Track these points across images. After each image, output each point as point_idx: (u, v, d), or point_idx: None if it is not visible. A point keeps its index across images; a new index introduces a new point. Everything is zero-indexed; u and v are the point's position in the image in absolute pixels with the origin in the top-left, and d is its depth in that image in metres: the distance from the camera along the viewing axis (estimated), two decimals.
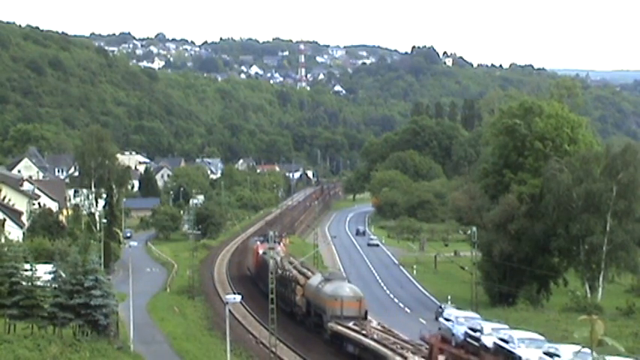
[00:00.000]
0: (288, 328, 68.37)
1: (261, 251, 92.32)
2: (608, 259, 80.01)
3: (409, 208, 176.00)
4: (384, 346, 52.35)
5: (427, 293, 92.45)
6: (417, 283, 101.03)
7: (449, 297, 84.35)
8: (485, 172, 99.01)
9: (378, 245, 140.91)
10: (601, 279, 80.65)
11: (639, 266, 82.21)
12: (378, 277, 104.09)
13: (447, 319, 47.96)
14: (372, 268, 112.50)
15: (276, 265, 72.77)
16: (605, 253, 79.43)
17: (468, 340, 43.96)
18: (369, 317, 62.22)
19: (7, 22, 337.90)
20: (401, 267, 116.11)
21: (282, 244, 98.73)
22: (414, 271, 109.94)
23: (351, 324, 59.70)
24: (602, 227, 79.11)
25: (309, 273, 73.57)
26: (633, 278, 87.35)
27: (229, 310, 50.79)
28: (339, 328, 60.02)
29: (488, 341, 41.43)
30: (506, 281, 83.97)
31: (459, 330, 45.44)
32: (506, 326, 45.88)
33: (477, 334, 43.15)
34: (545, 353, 36.55)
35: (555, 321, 68.34)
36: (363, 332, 56.95)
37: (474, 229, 79.49)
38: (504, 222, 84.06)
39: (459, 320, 46.32)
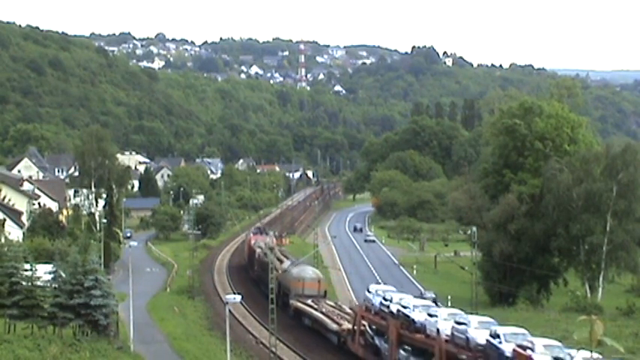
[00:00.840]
0: (288, 328, 68.43)
1: (253, 242, 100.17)
2: (608, 259, 79.97)
3: (409, 208, 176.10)
4: (327, 316, 64.11)
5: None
6: (417, 283, 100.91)
7: (449, 297, 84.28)
8: (485, 172, 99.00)
9: (374, 241, 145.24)
10: (601, 279, 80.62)
11: (639, 266, 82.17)
12: (378, 278, 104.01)
13: (369, 292, 58.92)
14: (372, 269, 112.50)
15: (261, 253, 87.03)
16: (605, 253, 79.41)
17: (382, 308, 54.83)
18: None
19: (7, 22, 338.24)
20: (401, 267, 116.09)
21: (271, 234, 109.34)
22: (414, 271, 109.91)
23: (309, 301, 69.33)
24: (602, 227, 79.08)
25: (284, 259, 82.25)
26: (633, 278, 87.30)
27: (229, 310, 50.78)
28: (299, 304, 70.18)
29: (394, 308, 52.57)
30: (506, 281, 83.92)
31: (376, 300, 56.31)
32: (411, 297, 57.08)
33: (387, 303, 54.01)
34: (456, 322, 44.85)
35: (555, 321, 68.29)
36: (315, 307, 67.19)
37: (474, 229, 79.49)
38: (504, 222, 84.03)
39: (378, 293, 57.24)
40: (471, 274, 78.89)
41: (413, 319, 49.56)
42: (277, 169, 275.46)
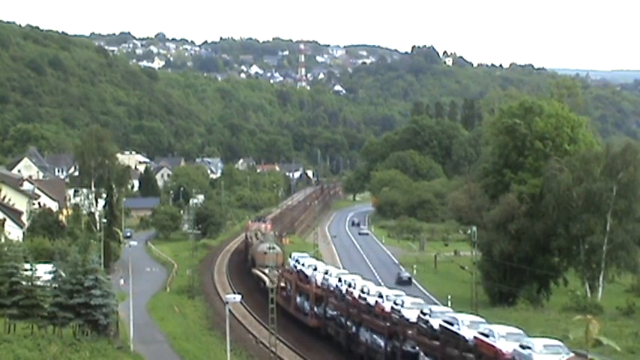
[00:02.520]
0: (287, 327, 68.45)
1: (249, 227, 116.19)
2: (608, 259, 79.94)
3: (409, 207, 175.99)
4: (267, 277, 79.90)
5: (427, 293, 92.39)
6: (417, 283, 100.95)
7: (449, 296, 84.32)
8: (485, 171, 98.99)
9: (367, 234, 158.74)
10: (601, 279, 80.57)
11: (639, 266, 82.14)
12: (378, 277, 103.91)
13: (290, 257, 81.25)
14: (373, 268, 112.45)
15: (248, 235, 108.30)
16: (605, 253, 79.36)
17: (293, 268, 75.88)
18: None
19: (7, 22, 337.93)
20: (401, 267, 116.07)
21: (267, 223, 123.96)
22: (414, 271, 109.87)
23: (267, 270, 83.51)
24: (602, 227, 79.04)
25: (261, 238, 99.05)
26: (633, 278, 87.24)
27: (229, 310, 50.77)
28: (256, 271, 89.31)
29: (298, 267, 74.28)
30: (506, 281, 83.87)
31: (292, 264, 77.81)
32: (314, 259, 79.60)
33: (297, 265, 75.08)
34: (324, 273, 67.53)
35: (555, 321, 68.35)
36: (266, 273, 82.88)
37: (474, 228, 79.44)
38: (504, 222, 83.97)
39: (295, 258, 78.68)
40: (471, 274, 78.85)
41: (306, 274, 70.66)
42: (277, 168, 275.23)
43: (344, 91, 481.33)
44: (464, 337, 41.85)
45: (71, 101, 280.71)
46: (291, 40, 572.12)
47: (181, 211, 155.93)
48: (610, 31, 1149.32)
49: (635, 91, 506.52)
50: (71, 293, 53.72)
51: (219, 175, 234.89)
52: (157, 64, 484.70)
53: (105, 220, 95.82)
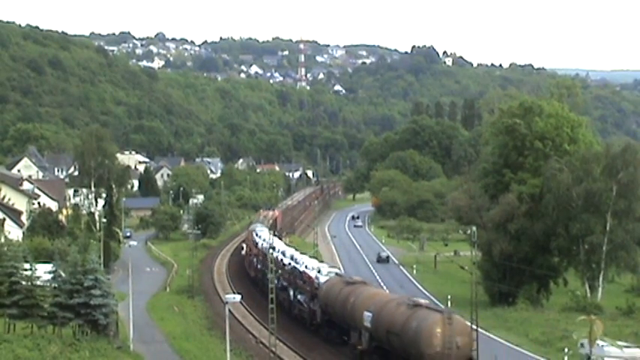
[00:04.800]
0: (287, 327, 68.41)
1: (259, 214, 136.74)
2: (608, 259, 79.89)
3: (409, 207, 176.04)
4: (246, 246, 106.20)
5: (427, 293, 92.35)
6: (416, 283, 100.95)
7: (448, 297, 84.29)
8: (485, 171, 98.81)
9: (361, 226, 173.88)
10: (601, 279, 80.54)
11: (639, 266, 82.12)
12: (378, 277, 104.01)
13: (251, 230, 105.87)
14: (372, 268, 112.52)
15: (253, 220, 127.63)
16: (605, 253, 79.32)
17: (254, 239, 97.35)
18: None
19: (7, 22, 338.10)
20: (401, 267, 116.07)
21: (276, 211, 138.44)
22: (414, 271, 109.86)
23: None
24: (602, 227, 78.99)
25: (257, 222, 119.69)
26: (633, 278, 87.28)
27: (229, 310, 50.74)
28: (243, 245, 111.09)
29: (255, 239, 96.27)
30: (506, 281, 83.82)
31: (254, 236, 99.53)
32: (268, 232, 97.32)
33: (255, 236, 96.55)
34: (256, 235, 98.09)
35: (555, 321, 68.33)
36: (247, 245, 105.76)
37: (474, 228, 79.20)
38: (504, 222, 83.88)
39: (256, 232, 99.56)
40: (471, 274, 78.57)
41: (257, 242, 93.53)
42: (277, 168, 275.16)
43: (344, 91, 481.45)
44: (299, 271, 71.27)
45: (71, 101, 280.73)
46: (291, 40, 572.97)
47: (181, 211, 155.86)
48: (610, 31, 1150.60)
49: (635, 91, 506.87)
50: (71, 293, 53.70)
51: (219, 175, 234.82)
52: (157, 64, 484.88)
53: (105, 220, 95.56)
